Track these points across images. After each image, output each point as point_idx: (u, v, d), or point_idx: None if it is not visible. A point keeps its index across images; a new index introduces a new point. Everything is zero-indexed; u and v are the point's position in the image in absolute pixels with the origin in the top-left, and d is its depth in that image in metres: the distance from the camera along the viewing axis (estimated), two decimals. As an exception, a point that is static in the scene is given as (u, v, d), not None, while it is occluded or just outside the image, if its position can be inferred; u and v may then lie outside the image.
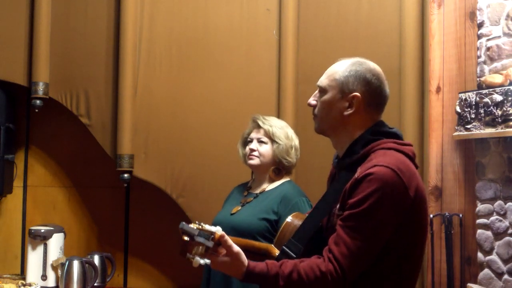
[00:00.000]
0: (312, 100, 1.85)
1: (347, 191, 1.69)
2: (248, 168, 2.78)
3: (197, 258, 1.61)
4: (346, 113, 1.77)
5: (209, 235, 1.64)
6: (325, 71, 1.86)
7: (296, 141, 2.72)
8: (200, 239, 1.62)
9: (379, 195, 1.62)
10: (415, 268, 1.75)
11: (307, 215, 1.90)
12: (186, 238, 1.63)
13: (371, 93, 1.77)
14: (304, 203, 2.55)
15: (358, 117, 1.77)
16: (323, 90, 1.82)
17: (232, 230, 2.47)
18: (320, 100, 1.82)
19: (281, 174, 2.70)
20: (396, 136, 1.79)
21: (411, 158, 1.76)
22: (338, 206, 1.73)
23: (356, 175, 1.67)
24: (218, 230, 1.67)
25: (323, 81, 1.83)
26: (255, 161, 2.69)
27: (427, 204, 1.78)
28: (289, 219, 1.95)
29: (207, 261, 1.63)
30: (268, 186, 2.69)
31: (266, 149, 2.67)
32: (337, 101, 1.78)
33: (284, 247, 1.79)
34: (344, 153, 1.80)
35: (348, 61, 1.82)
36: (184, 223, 1.65)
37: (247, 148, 2.72)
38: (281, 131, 2.68)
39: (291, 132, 2.72)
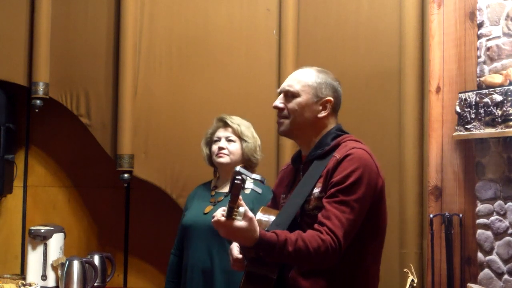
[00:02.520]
0: (280, 104, 1.98)
1: (329, 172, 1.85)
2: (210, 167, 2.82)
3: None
4: (320, 115, 1.96)
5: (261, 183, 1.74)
6: (289, 77, 2.02)
7: (259, 141, 2.78)
8: (250, 185, 1.70)
9: (361, 172, 1.81)
10: (382, 241, 1.95)
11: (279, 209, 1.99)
12: (237, 181, 1.65)
13: (337, 99, 2.00)
14: None
15: (327, 119, 1.98)
16: (295, 95, 1.96)
17: (209, 229, 2.50)
18: (293, 103, 1.95)
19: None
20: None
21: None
22: (319, 189, 1.86)
23: (337, 157, 1.86)
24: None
25: (294, 86, 1.97)
26: (225, 159, 2.70)
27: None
28: (259, 214, 1.96)
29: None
30: None
31: (235, 147, 2.71)
32: (312, 104, 1.95)
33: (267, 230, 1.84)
34: (314, 146, 1.96)
35: (313, 69, 2.01)
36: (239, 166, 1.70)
37: (215, 146, 2.74)
38: (248, 130, 2.75)
39: (254, 132, 2.78)
